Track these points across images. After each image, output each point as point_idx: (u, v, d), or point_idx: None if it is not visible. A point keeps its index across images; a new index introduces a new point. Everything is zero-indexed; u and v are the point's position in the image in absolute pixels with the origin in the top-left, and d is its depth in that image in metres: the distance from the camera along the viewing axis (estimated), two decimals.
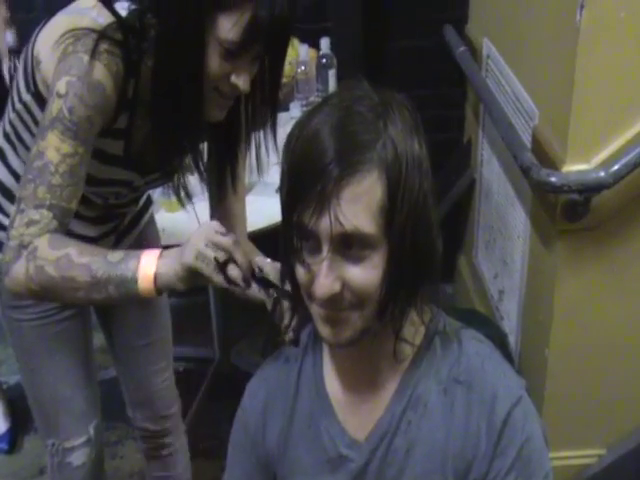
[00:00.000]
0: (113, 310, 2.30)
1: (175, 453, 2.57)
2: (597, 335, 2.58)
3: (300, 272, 1.31)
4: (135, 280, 1.57)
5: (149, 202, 2.30)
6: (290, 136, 1.31)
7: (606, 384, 2.66)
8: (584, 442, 2.75)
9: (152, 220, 2.34)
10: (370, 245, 1.25)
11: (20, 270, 1.61)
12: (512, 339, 2.98)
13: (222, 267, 1.51)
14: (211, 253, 1.50)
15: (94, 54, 1.64)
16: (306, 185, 1.23)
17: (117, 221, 2.11)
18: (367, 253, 1.26)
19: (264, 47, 1.68)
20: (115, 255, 1.60)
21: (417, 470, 1.40)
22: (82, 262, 1.59)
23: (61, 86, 1.64)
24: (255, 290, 1.55)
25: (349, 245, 1.25)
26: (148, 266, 1.56)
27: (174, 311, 3.90)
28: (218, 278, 1.52)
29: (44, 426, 2.27)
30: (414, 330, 1.41)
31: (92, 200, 1.95)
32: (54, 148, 1.63)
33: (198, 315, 3.76)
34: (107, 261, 1.58)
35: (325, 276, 1.26)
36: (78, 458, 2.26)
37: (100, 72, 1.65)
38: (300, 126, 1.29)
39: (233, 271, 1.52)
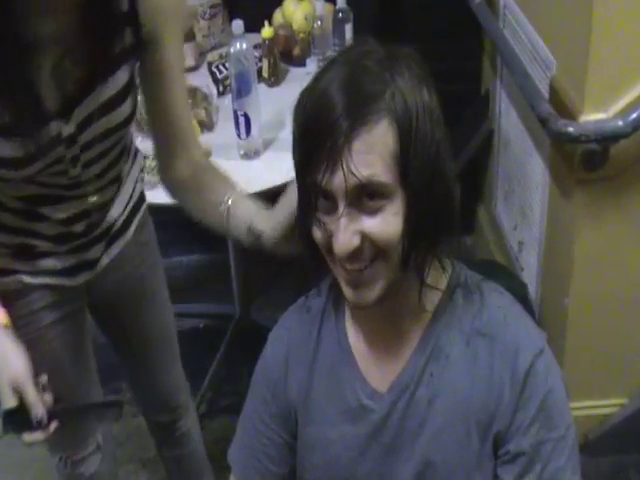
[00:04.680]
0: (110, 321, 2.22)
1: (187, 432, 2.52)
2: (616, 283, 2.59)
3: (317, 233, 1.32)
4: None
5: (139, 204, 2.09)
6: (300, 98, 1.31)
7: (626, 333, 2.67)
8: (605, 391, 2.77)
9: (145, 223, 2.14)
10: (386, 195, 1.25)
11: None
12: (532, 290, 2.98)
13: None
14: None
15: None
16: (317, 143, 1.24)
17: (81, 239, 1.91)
18: (383, 203, 1.26)
19: None
20: None
21: (439, 422, 1.41)
22: None
23: None
24: None
25: (365, 197, 1.25)
26: None
27: (194, 268, 3.97)
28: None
29: (49, 443, 2.17)
30: (437, 278, 1.41)
31: (37, 207, 1.81)
32: None
33: (218, 271, 3.77)
34: None
35: (343, 232, 1.26)
36: (89, 467, 2.23)
37: None
38: (309, 87, 1.30)
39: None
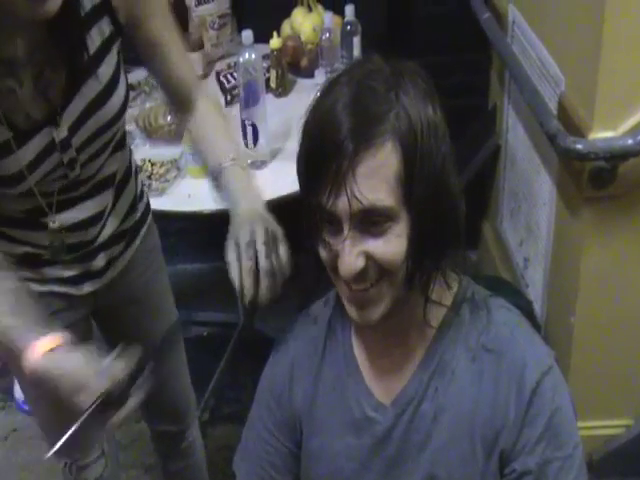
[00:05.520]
0: (113, 327, 2.19)
1: (193, 442, 2.50)
2: (624, 302, 2.57)
3: (323, 253, 1.32)
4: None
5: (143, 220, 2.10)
6: (305, 118, 1.31)
7: (633, 353, 2.64)
8: (611, 412, 2.75)
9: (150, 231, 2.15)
10: (390, 218, 1.26)
11: None
12: (537, 307, 2.97)
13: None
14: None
15: None
16: (322, 165, 1.25)
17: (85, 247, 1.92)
18: (388, 226, 1.26)
19: None
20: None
21: (444, 437, 1.41)
22: None
23: None
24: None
25: (369, 221, 1.26)
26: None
27: (198, 276, 3.96)
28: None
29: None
30: (442, 293, 1.41)
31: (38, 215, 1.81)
32: None
33: (222, 280, 3.77)
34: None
35: (348, 254, 1.27)
36: (93, 472, 2.25)
37: None
38: (313, 107, 1.31)
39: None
